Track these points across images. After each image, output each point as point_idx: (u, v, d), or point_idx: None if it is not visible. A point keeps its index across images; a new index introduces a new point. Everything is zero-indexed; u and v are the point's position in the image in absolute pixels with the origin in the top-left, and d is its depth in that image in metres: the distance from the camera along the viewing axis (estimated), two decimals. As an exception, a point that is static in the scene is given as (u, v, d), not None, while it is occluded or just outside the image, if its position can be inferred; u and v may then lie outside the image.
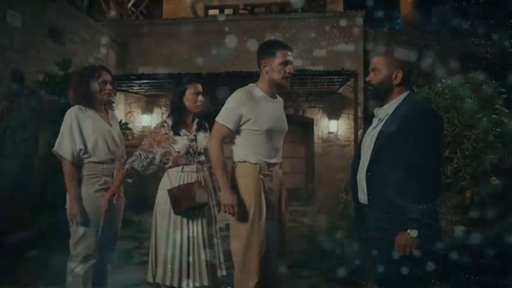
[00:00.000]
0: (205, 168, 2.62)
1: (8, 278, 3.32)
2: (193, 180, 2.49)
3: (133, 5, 9.86)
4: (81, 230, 2.35)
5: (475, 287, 2.62)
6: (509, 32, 5.53)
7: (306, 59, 6.41)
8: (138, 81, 6.21)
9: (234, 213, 2.11)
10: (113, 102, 2.63)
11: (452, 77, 4.05)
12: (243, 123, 2.16)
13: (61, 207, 2.49)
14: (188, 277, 2.42)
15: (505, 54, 5.47)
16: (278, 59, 2.16)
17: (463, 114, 3.64)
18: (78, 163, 2.37)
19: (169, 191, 2.43)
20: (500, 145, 3.60)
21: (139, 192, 4.86)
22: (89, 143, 2.37)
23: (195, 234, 2.47)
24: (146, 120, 7.06)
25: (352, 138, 6.34)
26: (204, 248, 2.48)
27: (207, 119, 2.68)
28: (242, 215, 2.12)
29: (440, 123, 1.87)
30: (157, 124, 2.62)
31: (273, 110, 2.24)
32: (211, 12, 9.18)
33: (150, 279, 2.51)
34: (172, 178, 2.49)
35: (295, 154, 8.06)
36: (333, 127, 6.76)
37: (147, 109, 7.14)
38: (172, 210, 2.43)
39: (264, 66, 2.21)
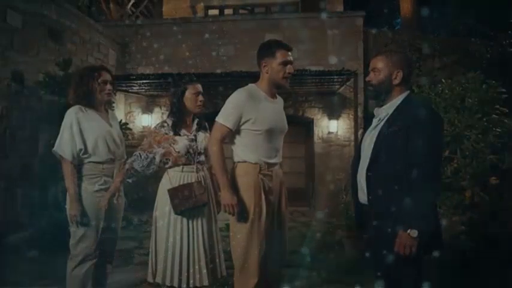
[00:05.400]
0: (205, 168, 2.62)
1: (8, 278, 3.32)
2: (193, 180, 2.49)
3: (133, 5, 9.86)
4: (81, 230, 2.35)
5: (475, 286, 2.62)
6: (509, 32, 5.53)
7: (306, 59, 6.41)
8: (138, 81, 6.21)
9: (234, 213, 2.11)
10: (113, 102, 2.63)
11: (452, 77, 4.05)
12: (243, 123, 2.16)
13: (61, 207, 2.48)
14: (188, 277, 2.43)
15: (505, 54, 5.46)
16: (278, 59, 2.16)
17: (463, 114, 3.64)
18: (78, 163, 2.37)
19: (169, 191, 2.43)
20: (500, 145, 3.60)
21: (139, 192, 4.86)
22: (88, 143, 2.37)
23: (195, 234, 2.47)
24: (146, 120, 7.06)
25: (352, 138, 6.34)
26: (204, 248, 2.48)
27: (207, 119, 2.68)
28: (242, 215, 2.12)
29: (440, 123, 1.87)
30: (157, 124, 2.62)
31: (273, 110, 2.24)
32: (211, 12, 9.16)
33: (150, 279, 2.51)
34: (172, 178, 2.49)
35: (295, 154, 8.05)
36: (333, 127, 6.76)
37: (147, 109, 7.14)
38: (172, 210, 2.43)
39: (264, 66, 2.21)
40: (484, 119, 3.60)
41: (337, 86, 6.46)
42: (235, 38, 6.90)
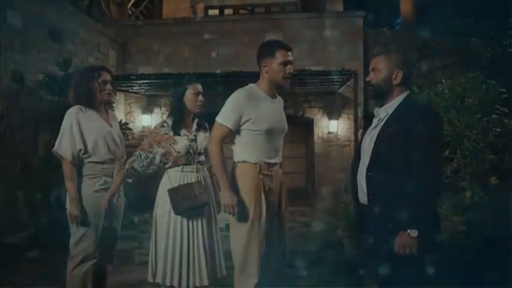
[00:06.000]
0: (205, 168, 2.62)
1: (8, 278, 3.32)
2: (193, 180, 2.49)
3: (133, 5, 9.86)
4: (81, 230, 2.34)
5: (475, 286, 2.62)
6: (509, 32, 5.52)
7: (306, 59, 6.41)
8: (138, 81, 6.22)
9: (234, 214, 2.11)
10: (113, 102, 2.62)
11: (452, 77, 4.05)
12: (243, 123, 2.15)
13: (61, 207, 2.49)
14: (188, 277, 2.42)
15: (505, 54, 5.46)
16: (278, 59, 2.16)
17: (463, 114, 3.64)
18: (78, 163, 2.37)
19: (169, 191, 2.43)
20: (500, 145, 3.60)
21: (139, 192, 4.85)
22: (88, 143, 2.37)
23: (195, 234, 2.47)
24: (146, 120, 7.07)
25: (352, 138, 6.34)
26: (204, 248, 2.48)
27: (207, 119, 2.68)
28: (242, 215, 2.11)
29: (440, 123, 1.87)
30: (157, 124, 2.62)
31: (273, 110, 2.24)
32: (211, 12, 9.16)
33: (150, 279, 2.51)
34: (172, 178, 2.49)
35: (295, 154, 8.06)
36: (333, 127, 6.76)
37: (147, 109, 7.14)
38: (172, 210, 2.43)
39: (264, 66, 2.20)
40: (484, 119, 3.60)
41: (337, 86, 6.47)
42: (235, 38, 6.90)
